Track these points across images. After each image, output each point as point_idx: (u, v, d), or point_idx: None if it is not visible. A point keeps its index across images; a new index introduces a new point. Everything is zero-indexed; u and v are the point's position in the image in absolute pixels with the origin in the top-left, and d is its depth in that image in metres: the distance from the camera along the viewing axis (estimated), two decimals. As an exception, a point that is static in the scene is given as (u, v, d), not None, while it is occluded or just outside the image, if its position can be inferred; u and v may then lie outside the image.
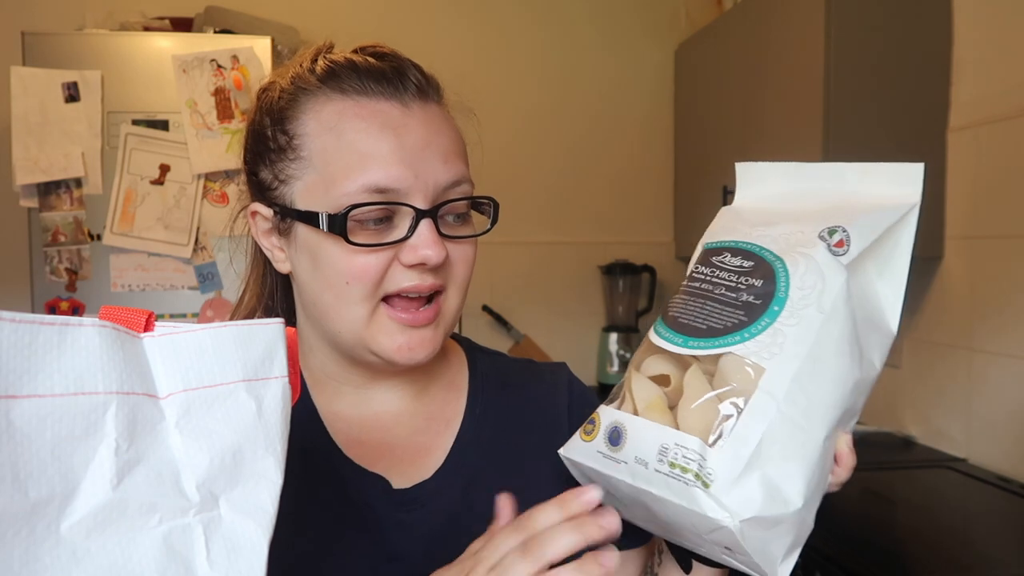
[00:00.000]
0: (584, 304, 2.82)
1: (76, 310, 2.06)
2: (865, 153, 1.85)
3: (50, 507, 0.34)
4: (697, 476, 0.52)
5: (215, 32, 2.19)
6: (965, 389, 1.79)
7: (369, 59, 0.66)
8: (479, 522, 0.67)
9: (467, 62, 2.62)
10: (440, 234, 0.64)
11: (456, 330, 0.77)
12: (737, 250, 0.60)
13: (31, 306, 2.07)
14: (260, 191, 0.69)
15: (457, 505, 0.70)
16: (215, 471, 0.40)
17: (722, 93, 2.44)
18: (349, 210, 0.62)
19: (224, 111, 2.08)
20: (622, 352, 2.70)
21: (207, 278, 2.11)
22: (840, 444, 0.58)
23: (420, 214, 0.63)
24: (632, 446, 0.56)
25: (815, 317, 0.55)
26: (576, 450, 0.61)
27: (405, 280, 0.64)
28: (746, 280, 0.58)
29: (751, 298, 0.57)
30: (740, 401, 0.53)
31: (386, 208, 0.63)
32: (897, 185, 0.61)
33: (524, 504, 0.69)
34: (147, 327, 0.41)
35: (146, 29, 2.19)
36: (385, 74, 0.65)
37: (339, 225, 0.62)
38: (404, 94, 0.65)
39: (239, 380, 0.42)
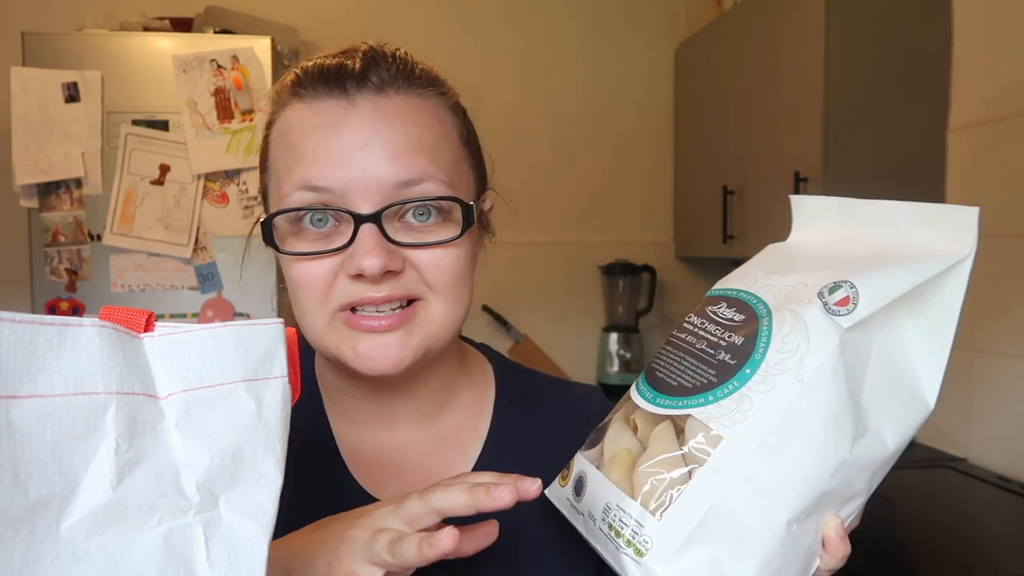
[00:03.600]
0: (584, 304, 2.82)
1: (76, 310, 2.06)
2: (865, 153, 1.85)
3: (50, 507, 0.34)
4: (629, 543, 0.50)
5: (215, 32, 2.19)
6: (965, 389, 1.79)
7: (326, 59, 0.62)
8: (492, 555, 0.66)
9: (465, 62, 2.62)
10: (390, 240, 0.58)
11: None
12: (734, 301, 0.55)
13: (31, 306, 2.07)
14: (264, 200, 0.69)
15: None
16: (215, 471, 0.40)
17: (722, 93, 2.44)
18: (274, 215, 0.60)
19: (224, 111, 2.08)
20: (622, 352, 2.70)
21: (207, 278, 2.11)
22: (827, 529, 0.51)
23: (359, 219, 0.58)
24: (588, 499, 0.54)
25: (790, 385, 0.49)
26: (554, 493, 0.59)
27: (353, 292, 0.59)
28: (728, 336, 0.53)
29: (727, 357, 0.52)
30: (692, 469, 0.49)
31: (324, 212, 0.59)
32: (949, 231, 0.52)
33: (541, 539, 0.66)
34: (147, 327, 0.41)
35: (146, 29, 2.19)
36: (330, 71, 0.60)
37: (268, 234, 0.60)
38: (355, 90, 0.60)
39: (239, 380, 0.42)
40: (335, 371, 0.69)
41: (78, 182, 2.05)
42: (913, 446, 1.92)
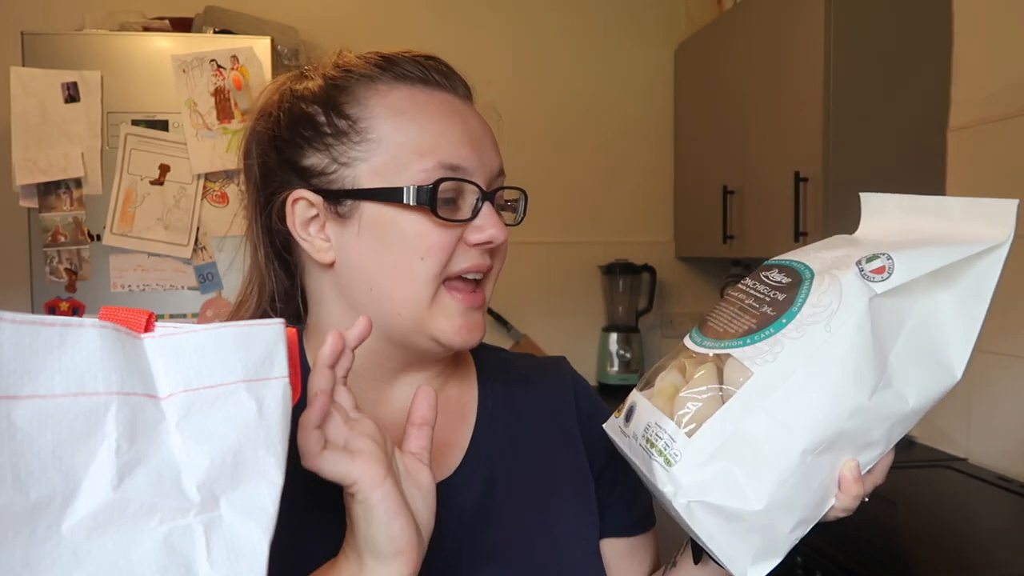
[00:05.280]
0: (584, 304, 2.82)
1: (76, 310, 2.06)
2: (865, 153, 1.85)
3: (51, 507, 0.34)
4: (661, 453, 0.58)
5: (215, 32, 2.19)
6: (965, 389, 1.79)
7: (425, 56, 0.71)
8: (503, 515, 0.70)
9: (463, 62, 2.61)
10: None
11: None
12: (785, 268, 0.62)
13: (31, 307, 2.07)
14: (304, 178, 0.67)
15: (480, 499, 0.71)
16: (216, 472, 0.40)
17: (722, 93, 2.44)
18: (438, 182, 0.64)
19: (224, 111, 2.08)
20: (622, 352, 2.70)
21: (207, 278, 2.11)
22: (844, 470, 0.58)
23: (484, 195, 0.67)
24: (635, 423, 0.62)
25: (819, 334, 0.55)
26: (609, 425, 0.68)
27: (466, 260, 0.67)
28: (774, 294, 0.60)
29: (768, 309, 0.59)
30: (725, 398, 0.56)
31: (457, 187, 0.66)
32: (990, 220, 0.59)
33: (544, 496, 0.73)
34: (147, 328, 0.41)
35: (146, 29, 2.19)
36: (442, 69, 0.71)
37: (429, 197, 0.64)
38: (459, 88, 0.71)
39: (239, 380, 0.42)
40: (367, 353, 0.69)
41: (78, 182, 2.05)
42: (913, 446, 1.92)
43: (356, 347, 0.56)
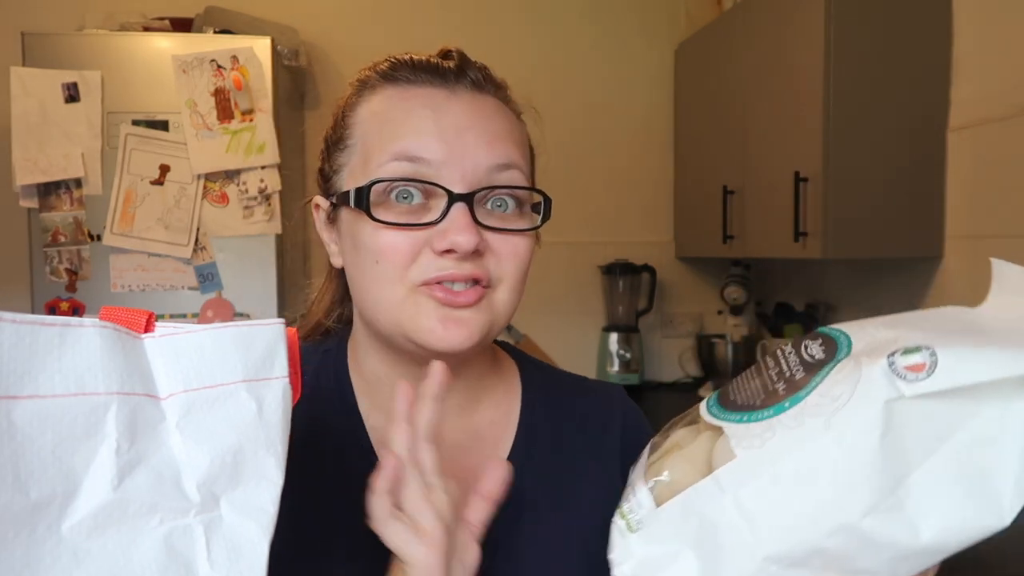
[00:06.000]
0: (584, 304, 2.82)
1: (76, 310, 2.06)
2: (865, 153, 1.85)
3: (51, 507, 0.34)
4: (624, 516, 0.55)
5: (215, 32, 2.19)
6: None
7: (429, 55, 0.66)
8: (525, 553, 0.67)
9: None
10: (477, 222, 0.61)
11: None
12: (829, 339, 0.54)
13: (31, 307, 2.07)
14: (319, 184, 0.71)
15: (504, 530, 0.66)
16: (216, 472, 0.40)
17: (722, 93, 2.44)
18: (373, 183, 0.61)
19: (224, 111, 2.08)
20: (622, 352, 2.70)
21: (207, 278, 2.11)
22: None
23: (453, 197, 0.60)
24: (632, 473, 0.60)
25: (817, 430, 0.47)
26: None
27: (433, 268, 0.61)
28: (797, 370, 0.53)
29: (782, 387, 0.52)
30: (705, 474, 0.52)
31: (418, 185, 0.61)
32: None
33: (572, 534, 0.69)
34: (147, 328, 0.41)
35: (146, 29, 2.19)
36: (436, 64, 0.65)
37: (364, 199, 0.61)
38: (454, 82, 0.64)
39: (240, 381, 0.42)
40: (381, 357, 0.69)
41: (78, 182, 2.05)
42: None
43: (437, 395, 0.54)
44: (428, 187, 0.61)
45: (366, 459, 0.68)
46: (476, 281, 0.62)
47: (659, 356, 2.88)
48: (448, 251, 0.60)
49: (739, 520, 0.49)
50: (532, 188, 0.66)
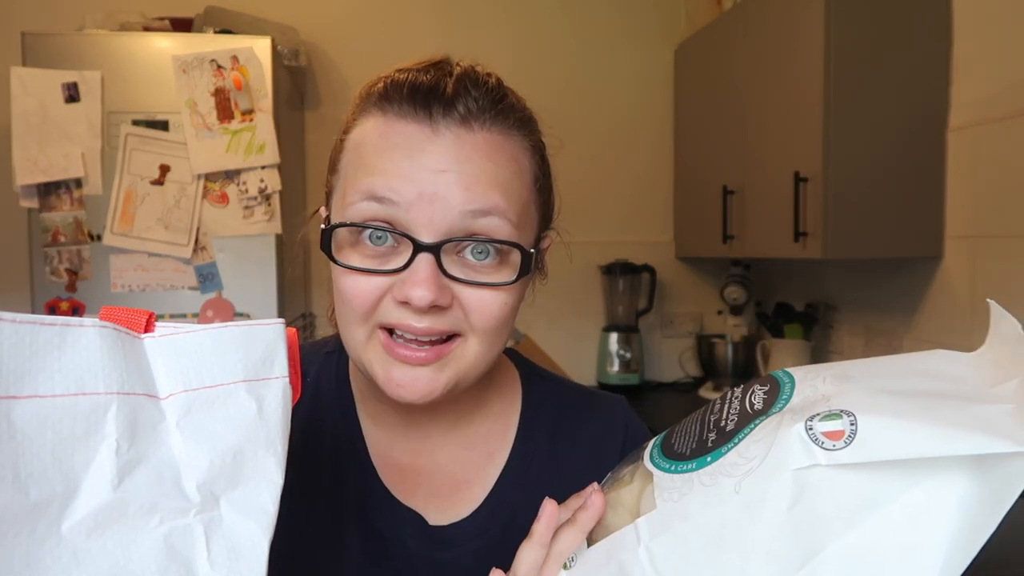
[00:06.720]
0: (584, 304, 2.82)
1: (76, 310, 2.06)
2: (865, 153, 1.85)
3: (51, 507, 0.34)
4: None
5: (215, 32, 2.18)
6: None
7: (418, 75, 0.61)
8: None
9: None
10: (444, 273, 0.58)
11: None
12: (774, 387, 0.50)
13: (31, 306, 2.07)
14: (325, 197, 0.69)
15: (494, 545, 0.67)
16: (216, 471, 0.40)
17: (722, 93, 2.44)
18: (335, 227, 0.59)
19: (224, 111, 2.08)
20: (622, 352, 2.70)
21: (207, 278, 2.11)
22: None
23: (418, 247, 0.57)
24: None
25: (726, 492, 0.44)
26: None
27: (396, 316, 0.58)
28: (731, 419, 0.49)
29: (712, 437, 0.49)
30: (632, 518, 0.50)
31: (385, 232, 0.58)
32: None
33: None
34: (148, 328, 0.41)
35: (146, 29, 2.19)
36: (420, 91, 0.60)
37: (326, 242, 0.60)
38: (438, 117, 0.59)
39: (240, 380, 0.42)
40: (369, 379, 0.69)
41: (78, 182, 2.05)
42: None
43: (587, 529, 0.53)
44: (396, 235, 0.59)
45: (360, 466, 0.68)
46: (445, 335, 0.60)
47: (659, 356, 2.88)
48: (404, 302, 0.58)
49: (651, 573, 0.46)
50: (503, 241, 0.59)
